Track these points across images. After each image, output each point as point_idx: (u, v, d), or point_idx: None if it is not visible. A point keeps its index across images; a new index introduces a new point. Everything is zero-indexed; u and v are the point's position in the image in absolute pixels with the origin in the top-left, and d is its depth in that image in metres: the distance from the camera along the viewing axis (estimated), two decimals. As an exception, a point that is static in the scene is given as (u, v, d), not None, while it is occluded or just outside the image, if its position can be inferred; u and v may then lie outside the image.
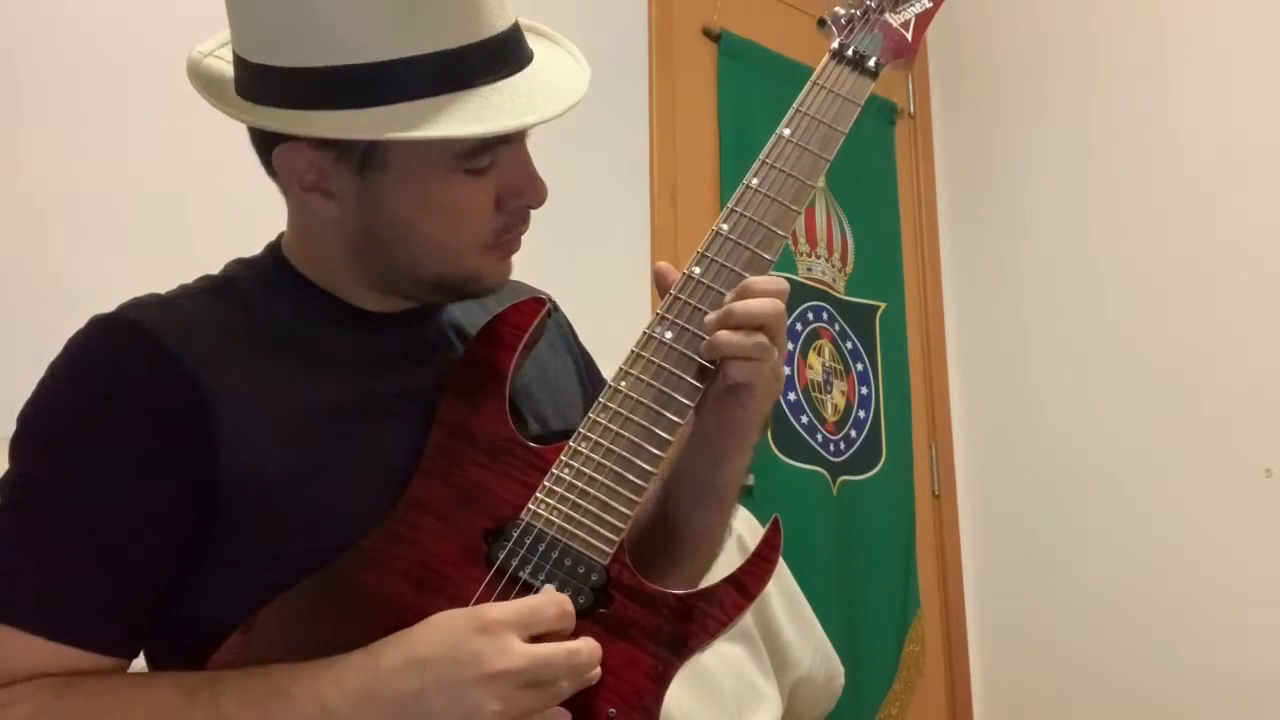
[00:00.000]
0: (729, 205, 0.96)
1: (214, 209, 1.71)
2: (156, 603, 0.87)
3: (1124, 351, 2.57)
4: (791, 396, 2.56)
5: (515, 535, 0.86)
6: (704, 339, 0.91)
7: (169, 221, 1.74)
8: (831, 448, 2.61)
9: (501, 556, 0.86)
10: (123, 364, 0.87)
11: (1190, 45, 2.56)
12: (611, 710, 0.83)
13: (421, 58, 0.85)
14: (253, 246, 1.02)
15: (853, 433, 2.68)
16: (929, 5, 1.06)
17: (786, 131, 0.99)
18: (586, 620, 0.84)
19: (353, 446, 0.90)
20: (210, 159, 1.51)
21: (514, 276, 1.01)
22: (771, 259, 0.95)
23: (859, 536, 2.60)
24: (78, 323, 0.90)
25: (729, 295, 0.92)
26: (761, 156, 0.98)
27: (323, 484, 0.88)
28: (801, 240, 2.68)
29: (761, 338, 0.89)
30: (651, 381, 0.91)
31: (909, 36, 1.05)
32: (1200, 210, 2.48)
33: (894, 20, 1.05)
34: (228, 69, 0.93)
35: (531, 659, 0.77)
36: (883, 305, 2.84)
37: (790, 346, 2.58)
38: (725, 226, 0.96)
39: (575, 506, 0.87)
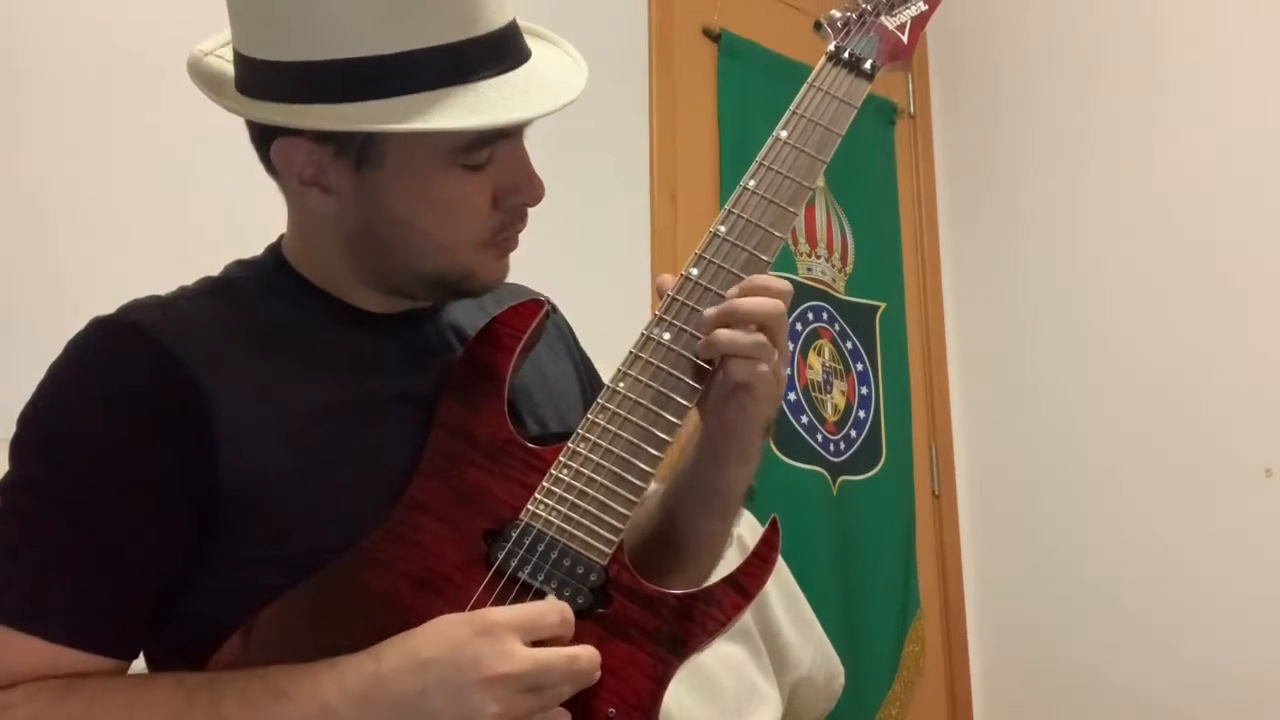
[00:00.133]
0: (726, 207, 0.97)
1: (214, 210, 1.71)
2: (156, 604, 0.88)
3: (1124, 351, 2.57)
4: (791, 396, 2.56)
5: (514, 536, 0.87)
6: (702, 339, 0.91)
7: (169, 222, 1.74)
8: (831, 448, 2.61)
9: (501, 557, 0.86)
10: (123, 365, 0.87)
11: (1190, 45, 2.56)
12: (611, 710, 0.83)
13: (419, 52, 0.85)
14: (253, 248, 1.02)
15: (853, 433, 2.68)
16: (924, 8, 1.06)
17: (783, 134, 0.99)
18: (586, 620, 0.84)
19: (352, 447, 0.90)
20: (211, 160, 1.51)
21: (514, 276, 1.02)
22: (769, 260, 0.96)
23: (859, 536, 2.60)
24: (78, 324, 0.90)
25: (728, 295, 0.92)
26: (758, 159, 0.98)
27: (322, 484, 0.88)
28: (801, 240, 2.68)
29: (760, 337, 0.89)
30: (650, 383, 0.91)
31: (905, 39, 1.05)
32: (1200, 210, 2.48)
33: (890, 23, 1.05)
34: (228, 68, 0.93)
35: (532, 664, 0.77)
36: (883, 305, 2.84)
37: (790, 347, 2.58)
38: (722, 228, 0.96)
39: (574, 507, 0.88)
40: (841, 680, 2.10)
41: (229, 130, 0.94)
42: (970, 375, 2.91)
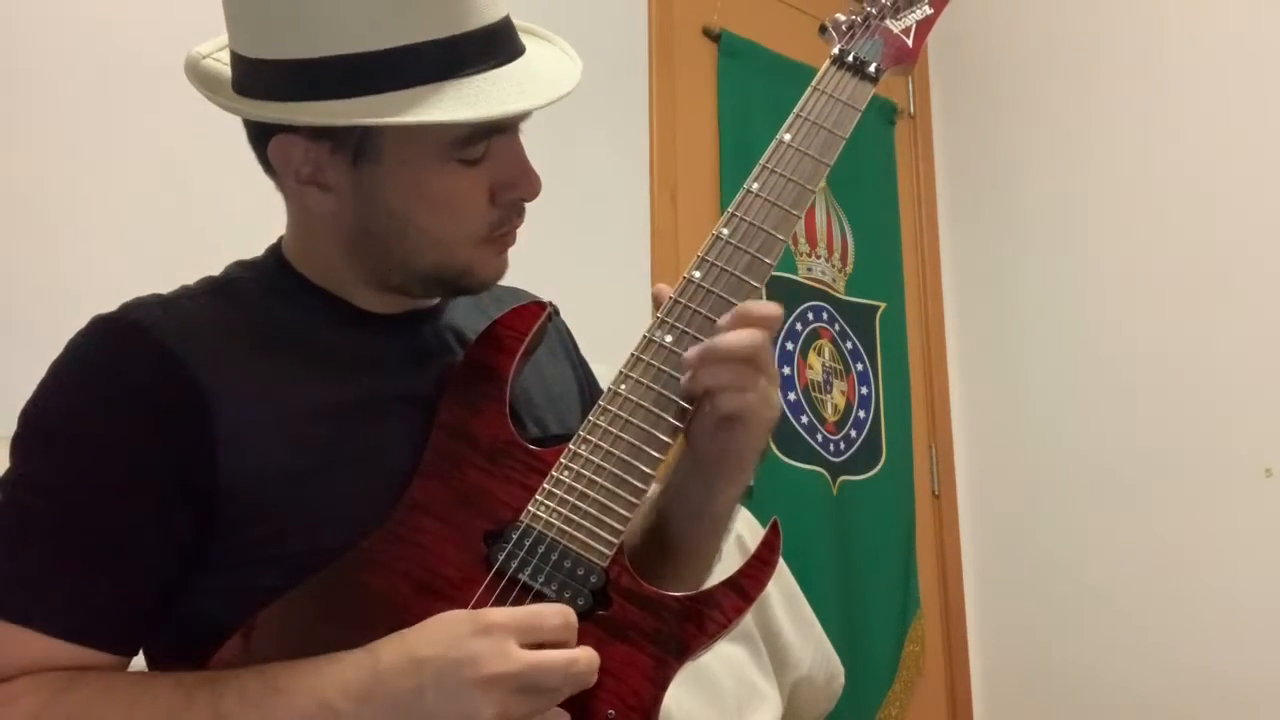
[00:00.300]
0: (729, 209, 0.97)
1: (215, 210, 1.71)
2: (156, 601, 0.88)
3: (1124, 351, 2.57)
4: (791, 396, 2.56)
5: (515, 537, 0.87)
6: (683, 379, 0.90)
7: (169, 222, 1.74)
8: (831, 448, 2.61)
9: (501, 558, 0.86)
10: (124, 364, 0.87)
11: (1190, 45, 2.56)
12: (611, 711, 0.83)
13: (413, 46, 0.86)
14: (253, 248, 1.02)
15: (853, 433, 2.68)
16: (930, 12, 1.06)
17: (787, 136, 0.99)
18: (586, 622, 0.84)
19: (352, 448, 0.90)
20: (211, 160, 1.51)
21: (514, 276, 1.02)
22: (772, 263, 0.95)
23: (859, 536, 2.60)
24: (78, 323, 0.90)
25: (721, 320, 0.91)
26: (762, 161, 0.98)
27: (322, 485, 0.88)
28: (801, 240, 2.68)
29: (744, 367, 0.89)
30: (651, 385, 0.91)
31: (910, 43, 1.05)
32: (1200, 210, 2.48)
33: (895, 26, 1.05)
34: (225, 71, 0.93)
35: (529, 665, 0.77)
36: (883, 305, 2.84)
37: (790, 347, 2.58)
38: (725, 231, 0.96)
39: (574, 509, 0.88)
40: (841, 680, 2.10)
41: (229, 131, 0.94)
42: (970, 375, 2.91)
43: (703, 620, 0.87)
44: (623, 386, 0.91)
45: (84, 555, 0.84)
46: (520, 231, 0.98)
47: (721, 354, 0.89)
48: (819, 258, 2.72)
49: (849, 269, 2.79)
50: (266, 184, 0.97)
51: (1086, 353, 2.64)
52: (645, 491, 0.89)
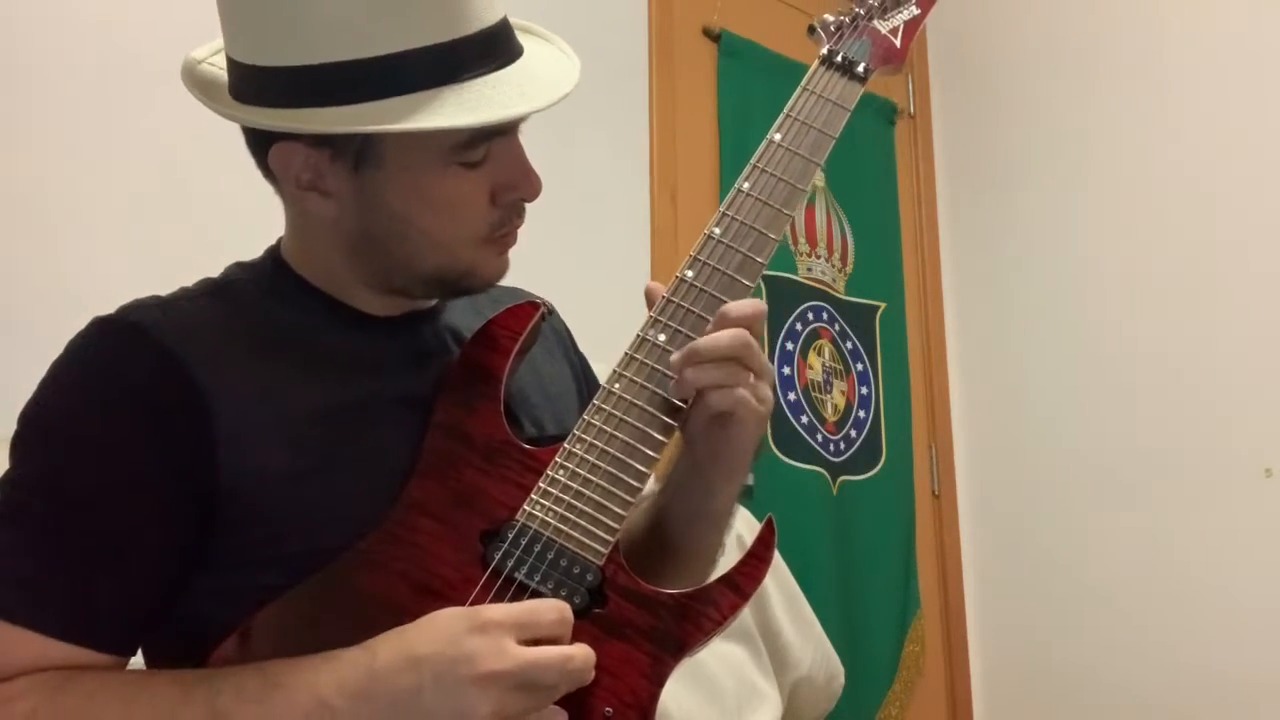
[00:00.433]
0: (721, 209, 0.97)
1: (214, 211, 1.71)
2: (155, 602, 0.88)
3: (1124, 351, 2.57)
4: (791, 396, 2.56)
5: (511, 536, 0.87)
6: (672, 381, 0.91)
7: (169, 223, 1.74)
8: (831, 448, 2.61)
9: (497, 558, 0.86)
10: (123, 365, 0.88)
11: (1190, 45, 2.56)
12: (608, 709, 0.83)
13: (412, 52, 0.86)
14: (253, 248, 1.03)
15: (853, 433, 2.68)
16: (917, 12, 1.07)
17: (777, 136, 1.00)
18: (582, 620, 0.84)
19: (351, 449, 0.90)
20: (211, 161, 1.51)
21: (514, 277, 1.02)
22: (763, 262, 0.96)
23: (859, 536, 2.60)
24: (79, 323, 0.90)
25: (710, 324, 0.92)
26: (753, 161, 0.99)
27: (321, 486, 0.88)
28: (801, 240, 2.68)
29: (731, 364, 0.89)
30: (645, 384, 0.91)
31: (898, 43, 1.05)
32: (1200, 210, 2.48)
33: (883, 27, 1.06)
34: (222, 75, 0.93)
35: (525, 662, 0.77)
36: (883, 305, 2.84)
37: (790, 347, 2.58)
38: (717, 230, 0.96)
39: (570, 508, 0.88)
40: (841, 680, 2.10)
41: (228, 131, 0.94)
42: (970, 375, 2.91)
43: (699, 617, 0.87)
44: (617, 385, 0.92)
45: (83, 556, 0.85)
46: (521, 232, 0.98)
47: (704, 354, 0.89)
48: (819, 258, 2.72)
49: (849, 269, 2.79)
50: (266, 184, 0.97)
51: (1086, 353, 2.64)
52: (641, 490, 0.89)
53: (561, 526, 0.87)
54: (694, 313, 0.93)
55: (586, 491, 0.88)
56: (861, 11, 1.06)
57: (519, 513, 0.88)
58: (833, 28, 1.06)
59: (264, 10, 0.86)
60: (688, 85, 2.57)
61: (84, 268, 1.64)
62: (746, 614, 1.90)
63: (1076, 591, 2.59)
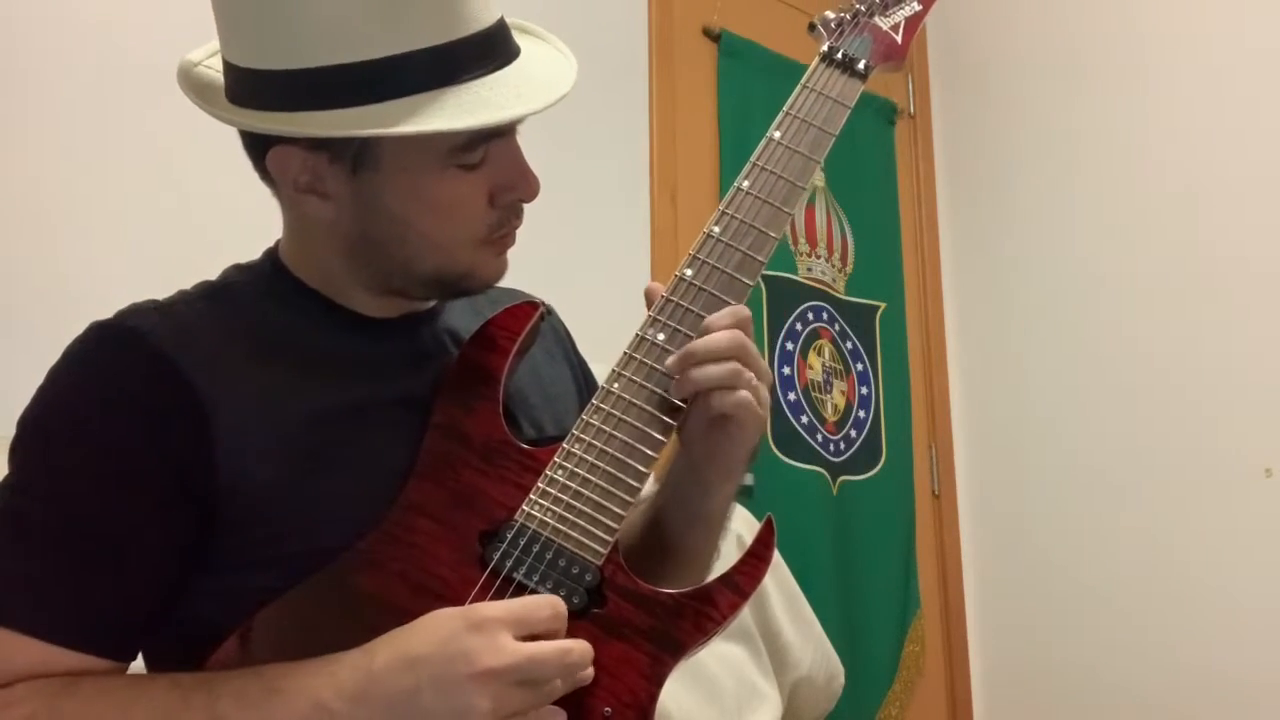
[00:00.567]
0: (720, 208, 0.97)
1: (213, 211, 1.71)
2: (154, 606, 0.88)
3: (1124, 351, 2.57)
4: (791, 396, 2.56)
5: (509, 537, 0.87)
6: (674, 381, 0.91)
7: (168, 223, 1.74)
8: (831, 448, 2.61)
9: (496, 558, 0.86)
10: (121, 370, 0.87)
11: (1190, 46, 2.56)
12: (607, 709, 0.83)
13: (409, 55, 0.86)
14: (252, 249, 1.02)
15: (853, 433, 2.68)
16: (918, 8, 1.06)
17: (776, 134, 1.00)
18: (581, 620, 0.84)
19: (348, 450, 0.90)
20: (210, 162, 1.50)
21: (514, 278, 1.02)
22: (763, 260, 0.96)
23: (859, 536, 2.60)
24: (78, 325, 0.90)
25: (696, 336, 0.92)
26: (752, 159, 0.99)
27: (319, 488, 0.88)
28: (801, 240, 2.68)
29: (734, 364, 0.89)
30: (644, 383, 0.91)
31: (899, 39, 1.05)
32: (1200, 210, 2.48)
33: (883, 23, 1.05)
34: (218, 77, 0.93)
35: (523, 657, 0.77)
36: (883, 305, 2.84)
37: (790, 347, 2.58)
38: (716, 229, 0.96)
39: (569, 508, 0.88)
40: (841, 680, 2.10)
41: (226, 132, 0.94)
42: (970, 375, 2.91)
43: (698, 617, 0.87)
44: (616, 385, 0.92)
45: (81, 561, 0.85)
46: (521, 232, 0.98)
47: (701, 355, 0.89)
48: (819, 258, 2.72)
49: (849, 269, 2.79)
50: (264, 187, 0.96)
51: (1086, 352, 2.64)
52: (640, 490, 0.89)
53: (560, 526, 0.87)
54: (693, 312, 0.93)
55: (585, 491, 0.88)
56: (862, 8, 1.06)
57: (517, 513, 0.88)
58: (833, 24, 1.06)
59: (260, 14, 0.86)
60: (688, 85, 2.57)
61: (82, 271, 1.64)
62: (746, 614, 1.90)
63: (1076, 591, 2.59)
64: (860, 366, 2.75)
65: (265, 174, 0.93)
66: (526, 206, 0.97)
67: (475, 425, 0.93)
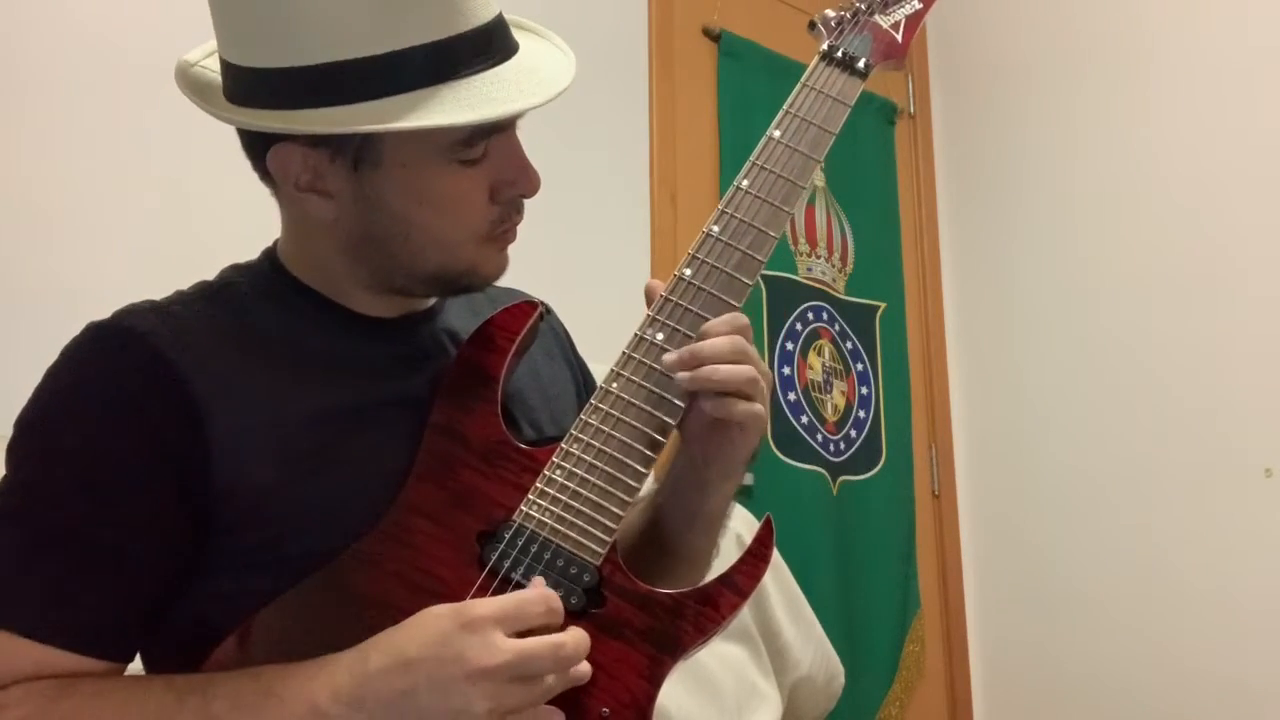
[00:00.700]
0: (719, 207, 0.97)
1: (212, 211, 1.71)
2: (151, 607, 0.88)
3: (1124, 351, 2.57)
4: (791, 396, 2.56)
5: (507, 537, 0.87)
6: (687, 376, 0.90)
7: (166, 225, 1.74)
8: (831, 448, 2.61)
9: (494, 558, 0.86)
10: (118, 370, 0.87)
11: (1189, 44, 2.56)
12: (605, 710, 0.83)
13: (409, 51, 0.86)
14: (250, 249, 1.02)
15: (853, 433, 2.68)
16: (919, 6, 1.06)
17: (776, 133, 0.99)
18: (580, 620, 0.84)
19: (347, 451, 0.90)
20: (208, 162, 1.51)
21: (515, 277, 1.02)
22: (763, 259, 0.96)
23: (859, 536, 2.60)
24: (74, 327, 0.90)
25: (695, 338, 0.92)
26: (752, 158, 0.98)
27: (317, 489, 0.88)
28: (801, 240, 2.68)
29: (744, 367, 0.89)
30: (643, 383, 0.91)
31: (899, 38, 1.05)
32: (1200, 209, 2.48)
33: (884, 22, 1.05)
34: (216, 78, 0.93)
35: (516, 654, 0.76)
36: (883, 305, 2.84)
37: (790, 347, 2.58)
38: (716, 228, 0.96)
39: (567, 507, 0.88)
40: (841, 680, 2.10)
41: (225, 132, 0.94)
42: (970, 375, 2.91)
43: (697, 617, 0.87)
44: (614, 385, 0.92)
45: (78, 562, 0.84)
46: (521, 232, 0.98)
47: (707, 357, 0.89)
48: (819, 258, 2.72)
49: (849, 269, 2.79)
50: (262, 185, 0.96)
51: (1086, 352, 2.64)
52: (638, 489, 0.89)
53: (558, 526, 0.87)
54: (692, 311, 0.93)
55: (584, 491, 0.88)
56: (863, 6, 1.06)
57: (516, 513, 0.88)
58: (833, 23, 1.05)
59: (258, 12, 0.86)
60: (688, 85, 2.57)
61: (80, 271, 1.64)
62: (746, 614, 1.90)
63: (1076, 591, 2.58)
64: (860, 366, 2.75)
65: (265, 174, 0.93)
66: (527, 206, 0.97)
67: (474, 425, 0.92)
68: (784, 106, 1.00)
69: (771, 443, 2.46)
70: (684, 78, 2.56)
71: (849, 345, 2.73)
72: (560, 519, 0.87)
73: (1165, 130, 2.57)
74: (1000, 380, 2.84)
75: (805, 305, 2.64)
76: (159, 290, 0.96)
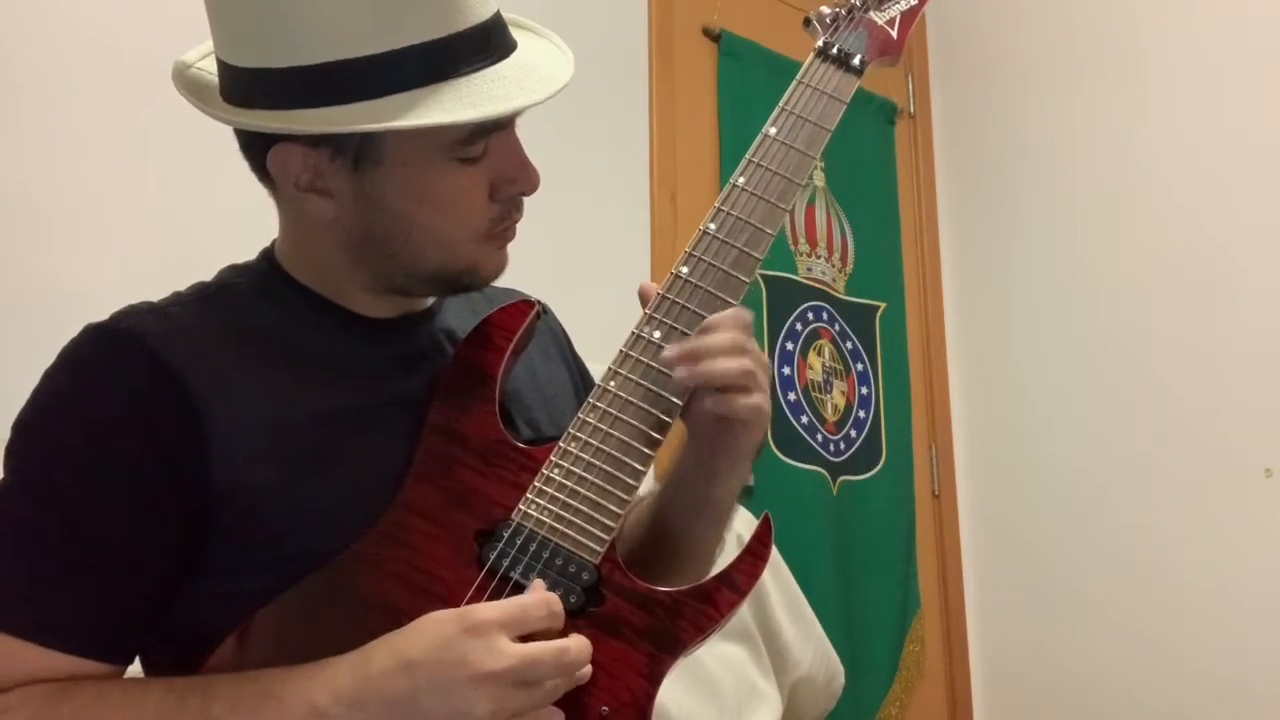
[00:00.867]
0: (716, 204, 0.97)
1: (210, 212, 1.71)
2: (150, 609, 0.88)
3: (1124, 350, 2.57)
4: (791, 396, 2.56)
5: (506, 536, 0.87)
6: (685, 372, 0.91)
7: (164, 226, 1.74)
8: (831, 448, 2.61)
9: (493, 557, 0.86)
10: (117, 372, 0.87)
11: (1189, 44, 2.56)
12: (604, 708, 0.83)
13: (408, 49, 0.86)
14: (247, 251, 1.02)
15: (853, 433, 2.68)
16: (914, 2, 1.06)
17: (772, 130, 1.00)
18: (579, 619, 0.84)
19: (345, 452, 0.90)
20: (206, 163, 1.51)
21: (514, 277, 1.02)
22: (759, 257, 0.96)
23: (859, 536, 2.59)
24: (72, 328, 0.90)
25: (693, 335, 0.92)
26: (748, 155, 0.99)
27: (315, 489, 0.88)
28: (801, 240, 2.68)
29: (744, 361, 0.90)
30: (640, 381, 0.91)
31: (894, 34, 1.05)
32: (1201, 209, 2.48)
33: (879, 18, 1.05)
34: (213, 78, 0.93)
35: (520, 658, 0.77)
36: (883, 305, 2.84)
37: (790, 347, 2.58)
38: (712, 226, 0.96)
39: (565, 506, 0.88)
40: (841, 680, 2.10)
41: (222, 132, 0.94)
42: (970, 375, 2.91)
43: (696, 615, 0.87)
44: (612, 383, 0.92)
45: (77, 564, 0.84)
46: (520, 231, 0.98)
47: (710, 350, 0.89)
48: (819, 258, 2.72)
49: (849, 269, 2.79)
50: (259, 185, 0.96)
51: (1087, 352, 2.64)
52: (637, 488, 0.89)
53: (557, 525, 0.87)
54: (690, 309, 0.93)
55: (582, 490, 0.88)
56: (858, 3, 1.06)
57: (514, 512, 0.88)
58: (829, 20, 1.05)
59: (255, 12, 0.86)
60: (688, 85, 2.57)
61: (77, 272, 1.64)
62: (746, 614, 1.90)
63: (1076, 591, 2.58)
64: (860, 366, 2.75)
65: (263, 174, 0.93)
66: (527, 206, 0.97)
67: (472, 425, 0.92)
68: (780, 104, 1.01)
69: (771, 443, 2.46)
70: (684, 78, 2.56)
71: (849, 345, 2.73)
72: (559, 518, 0.87)
73: (1165, 130, 2.57)
74: (1000, 380, 2.84)
75: (805, 305, 2.64)
76: (157, 291, 0.96)
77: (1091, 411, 2.61)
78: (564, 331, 1.18)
